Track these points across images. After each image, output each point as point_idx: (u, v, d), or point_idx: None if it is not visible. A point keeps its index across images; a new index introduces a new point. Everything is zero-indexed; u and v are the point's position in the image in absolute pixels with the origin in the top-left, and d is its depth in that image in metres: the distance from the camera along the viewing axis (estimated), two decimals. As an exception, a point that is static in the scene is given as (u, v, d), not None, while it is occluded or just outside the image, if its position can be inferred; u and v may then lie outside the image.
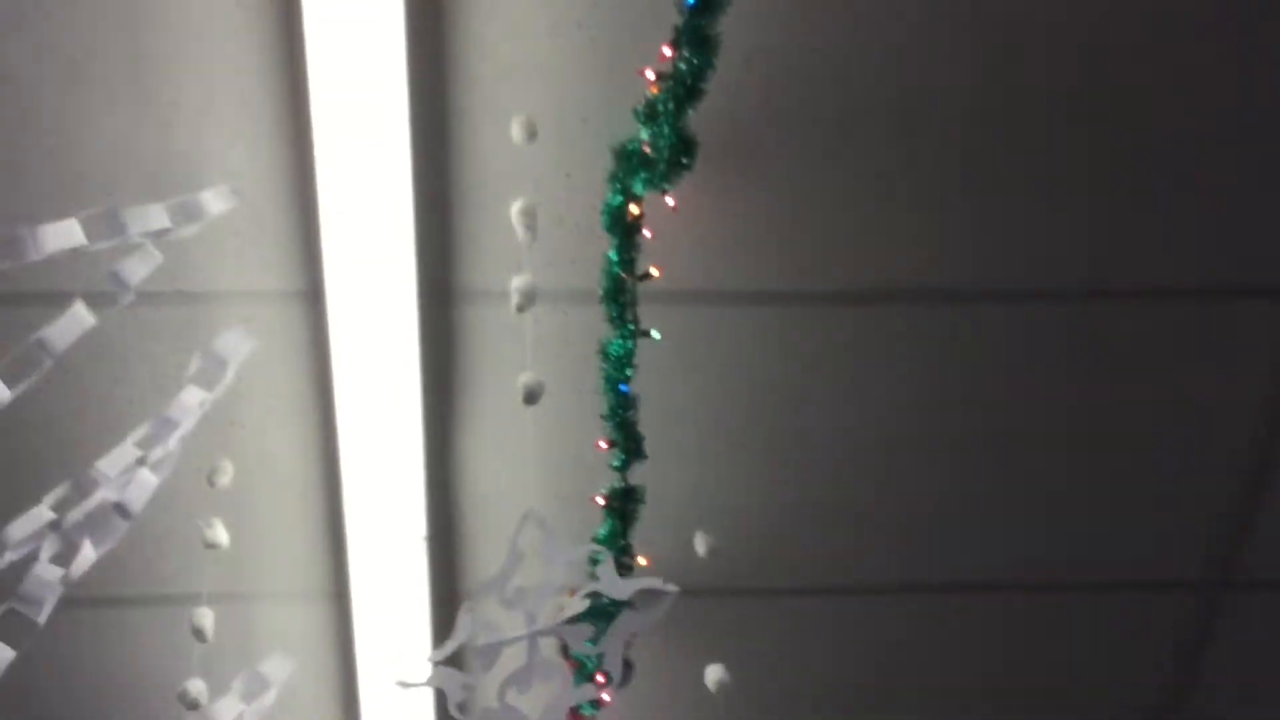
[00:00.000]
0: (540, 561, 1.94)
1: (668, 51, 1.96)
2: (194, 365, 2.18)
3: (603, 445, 2.20)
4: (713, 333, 2.38)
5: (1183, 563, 2.73)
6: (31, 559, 2.05)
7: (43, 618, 2.03)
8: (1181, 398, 2.49)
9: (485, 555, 2.60)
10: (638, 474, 2.22)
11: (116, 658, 2.70)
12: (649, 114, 2.01)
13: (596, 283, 2.15)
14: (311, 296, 2.32)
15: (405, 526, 2.47)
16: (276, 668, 2.37)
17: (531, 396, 2.00)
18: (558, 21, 2.09)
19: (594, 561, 2.13)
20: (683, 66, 1.94)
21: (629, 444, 2.19)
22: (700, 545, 2.34)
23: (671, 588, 1.89)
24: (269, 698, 2.35)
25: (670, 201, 2.11)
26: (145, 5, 2.06)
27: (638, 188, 2.06)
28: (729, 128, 2.16)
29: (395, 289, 2.22)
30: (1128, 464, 2.57)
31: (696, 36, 1.93)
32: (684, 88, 1.96)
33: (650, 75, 1.99)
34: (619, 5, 2.09)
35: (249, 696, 2.32)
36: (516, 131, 2.07)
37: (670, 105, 1.98)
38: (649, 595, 1.92)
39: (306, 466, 2.50)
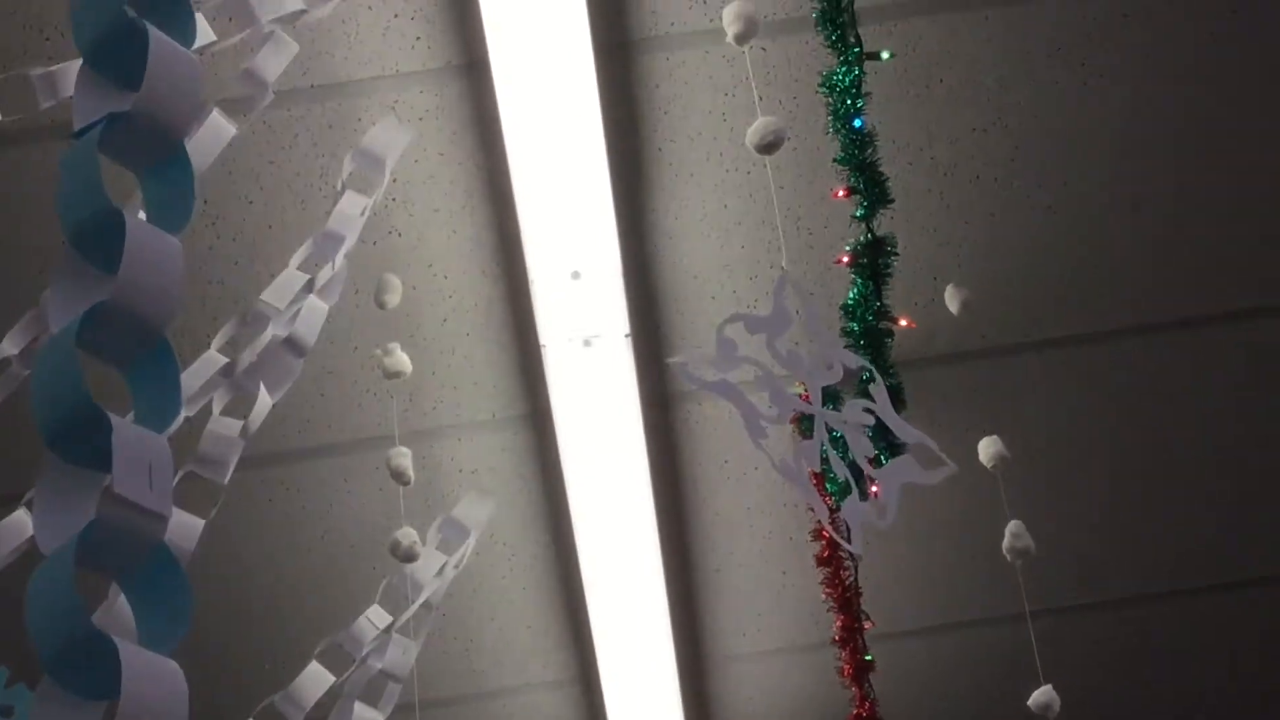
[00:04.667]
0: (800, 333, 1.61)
1: None
2: (347, 168, 1.85)
3: (840, 194, 1.85)
4: (950, 42, 2.02)
5: None
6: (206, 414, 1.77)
7: (226, 478, 1.74)
8: None
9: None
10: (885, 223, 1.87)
11: (310, 513, 2.40)
12: None
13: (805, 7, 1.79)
14: (468, 69, 1.97)
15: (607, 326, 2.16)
16: (475, 510, 2.08)
17: (769, 145, 1.63)
18: None
19: (864, 380, 1.76)
20: None
21: (871, 188, 1.84)
22: (952, 300, 1.98)
23: (949, 463, 1.56)
24: (470, 542, 2.07)
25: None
26: None
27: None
28: None
29: (569, 44, 1.87)
30: None
31: None
32: None
33: None
34: None
35: (448, 547, 2.05)
36: None
37: None
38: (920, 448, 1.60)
39: (480, 268, 2.17)
